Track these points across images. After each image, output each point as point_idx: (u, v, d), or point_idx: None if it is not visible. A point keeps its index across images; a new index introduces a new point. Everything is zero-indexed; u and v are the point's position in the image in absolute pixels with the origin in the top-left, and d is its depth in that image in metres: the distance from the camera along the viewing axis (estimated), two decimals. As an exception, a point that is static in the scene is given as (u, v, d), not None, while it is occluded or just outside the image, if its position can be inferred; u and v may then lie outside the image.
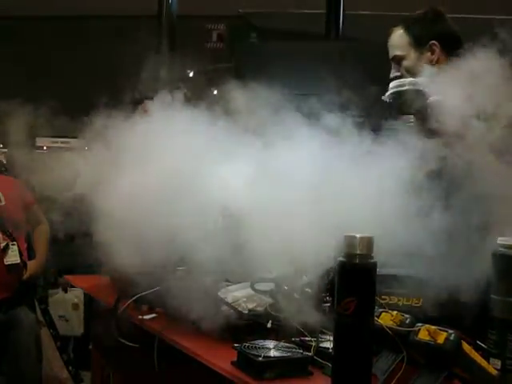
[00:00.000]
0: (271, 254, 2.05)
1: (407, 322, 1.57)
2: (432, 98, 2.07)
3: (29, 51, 13.05)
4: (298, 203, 1.95)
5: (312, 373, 1.61)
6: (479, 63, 1.94)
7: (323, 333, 1.72)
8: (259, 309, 1.90)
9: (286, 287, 1.90)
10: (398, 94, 2.11)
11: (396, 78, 2.39)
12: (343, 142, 1.98)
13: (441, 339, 1.48)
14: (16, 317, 4.09)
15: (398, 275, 1.84)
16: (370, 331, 1.43)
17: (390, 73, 2.51)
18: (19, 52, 12.85)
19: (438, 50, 2.42)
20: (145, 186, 2.18)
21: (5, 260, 4.04)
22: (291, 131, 2.07)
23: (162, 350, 1.94)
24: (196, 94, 2.44)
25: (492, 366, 1.55)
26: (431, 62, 2.41)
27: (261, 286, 1.94)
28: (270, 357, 1.60)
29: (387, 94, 2.14)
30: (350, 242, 1.43)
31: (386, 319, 1.58)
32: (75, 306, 5.18)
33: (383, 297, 1.78)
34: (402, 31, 2.47)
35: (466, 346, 1.50)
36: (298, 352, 1.64)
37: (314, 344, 1.65)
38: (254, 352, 1.61)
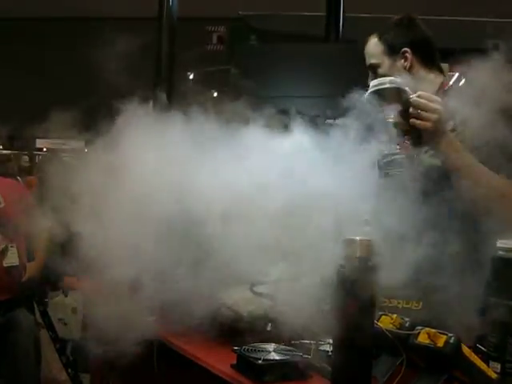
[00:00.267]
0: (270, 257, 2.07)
1: (407, 325, 1.57)
2: (413, 96, 2.08)
3: (27, 52, 13.07)
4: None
5: (311, 376, 1.61)
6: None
7: (323, 336, 1.72)
8: (259, 311, 1.89)
9: (285, 290, 1.90)
10: (379, 92, 2.12)
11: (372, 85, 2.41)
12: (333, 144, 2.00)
13: (440, 342, 1.48)
14: (15, 319, 4.09)
15: (397, 278, 1.84)
16: (369, 334, 1.43)
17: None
18: (19, 52, 12.86)
19: (410, 56, 2.45)
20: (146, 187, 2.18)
21: (4, 262, 4.04)
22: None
23: (161, 352, 1.94)
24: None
25: (492, 370, 1.54)
26: (405, 69, 2.44)
27: (260, 289, 1.93)
28: (270, 360, 1.60)
29: (368, 92, 2.14)
30: (349, 244, 1.43)
31: (385, 322, 1.58)
32: (74, 310, 5.18)
33: (383, 300, 1.79)
34: (376, 39, 2.51)
35: (465, 349, 1.50)
36: (298, 355, 1.64)
37: (313, 347, 1.64)
38: (254, 355, 1.61)
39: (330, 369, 1.52)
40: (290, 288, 1.92)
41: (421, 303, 1.81)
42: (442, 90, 2.43)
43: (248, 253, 1.98)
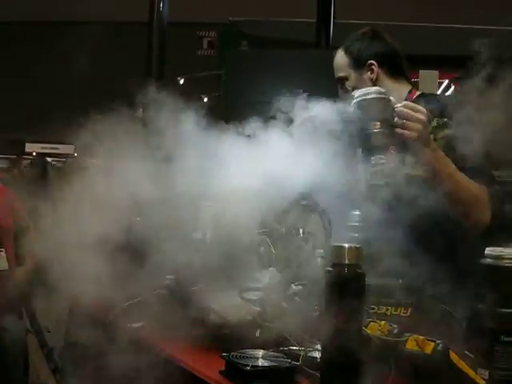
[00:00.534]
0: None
1: (395, 331, 1.57)
2: (397, 106, 2.10)
3: (20, 55, 13.05)
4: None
5: (300, 382, 1.60)
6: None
7: (311, 342, 1.72)
8: (248, 318, 1.89)
9: (274, 296, 1.90)
10: (364, 102, 2.13)
11: (341, 98, 2.42)
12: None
13: (429, 349, 1.49)
14: (3, 325, 4.07)
15: (386, 285, 1.85)
16: (358, 341, 1.43)
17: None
18: (12, 56, 12.84)
19: (376, 68, 2.48)
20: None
21: (-8, 266, 4.02)
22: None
23: (149, 358, 1.93)
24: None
25: (480, 377, 1.55)
26: (371, 81, 2.47)
27: (249, 295, 1.93)
28: (258, 366, 1.59)
29: (353, 102, 2.15)
30: (338, 251, 1.43)
31: (374, 329, 1.59)
32: (59, 317, 5.13)
33: (371, 306, 1.79)
34: (342, 53, 2.55)
35: (453, 356, 1.51)
36: (286, 361, 1.64)
37: (302, 353, 1.64)
38: (242, 361, 1.60)
39: (318, 375, 1.52)
40: (279, 294, 1.93)
41: (409, 310, 1.81)
42: (410, 98, 2.45)
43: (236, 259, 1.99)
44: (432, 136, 2.28)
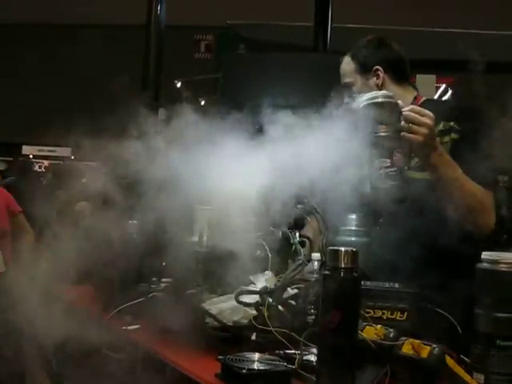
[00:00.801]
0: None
1: (391, 335, 1.57)
2: (404, 110, 2.10)
3: (17, 57, 13.03)
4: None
5: (296, 386, 1.61)
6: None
7: (307, 346, 1.72)
8: (244, 321, 1.89)
9: (270, 300, 1.90)
10: (372, 106, 2.14)
11: (347, 103, 2.44)
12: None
13: (424, 353, 1.49)
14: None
15: (382, 288, 1.85)
16: (353, 345, 1.43)
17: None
18: (10, 58, 12.83)
19: (382, 74, 2.50)
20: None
21: (-10, 269, 4.02)
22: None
23: (145, 361, 1.93)
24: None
25: (475, 381, 1.55)
26: (377, 86, 2.48)
27: (245, 299, 1.94)
28: (254, 369, 1.59)
29: (361, 105, 2.16)
30: (334, 255, 1.43)
31: (369, 333, 1.59)
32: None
33: (367, 310, 1.79)
34: (349, 59, 2.57)
35: (449, 361, 1.51)
36: (282, 365, 1.64)
37: (297, 357, 1.64)
38: (238, 364, 1.60)
39: (314, 379, 1.52)
40: (276, 298, 1.93)
41: (405, 314, 1.81)
42: (416, 104, 2.45)
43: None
44: (438, 139, 2.29)
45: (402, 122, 2.09)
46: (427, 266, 2.25)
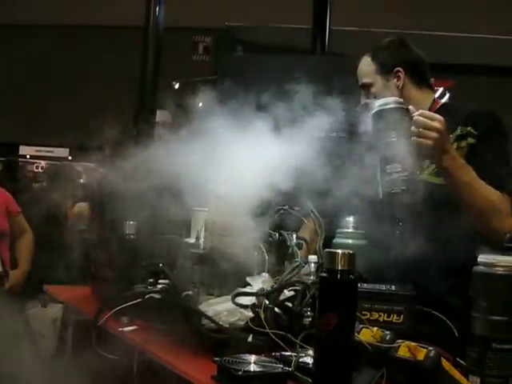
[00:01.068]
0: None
1: (387, 338, 1.57)
2: (414, 115, 2.11)
3: (14, 58, 13.02)
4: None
5: (292, 388, 1.61)
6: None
7: (304, 348, 1.72)
8: (240, 323, 1.89)
9: (267, 301, 1.90)
10: (384, 112, 2.14)
11: (365, 104, 2.45)
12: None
13: (421, 356, 1.49)
14: None
15: (378, 291, 1.85)
16: (350, 347, 1.44)
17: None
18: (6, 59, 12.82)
19: (403, 75, 2.48)
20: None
21: (-13, 269, 4.01)
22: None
23: (142, 362, 1.93)
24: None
25: (471, 384, 1.56)
26: (397, 88, 2.47)
27: (242, 300, 1.94)
28: (250, 371, 1.59)
29: (372, 112, 2.17)
30: (331, 257, 1.43)
31: (366, 335, 1.59)
32: (54, 322, 5.09)
33: (364, 312, 1.79)
34: (369, 59, 2.55)
35: (445, 363, 1.51)
36: (278, 367, 1.64)
37: (294, 359, 1.64)
38: (235, 366, 1.60)
39: (310, 381, 1.52)
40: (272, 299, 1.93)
41: (402, 316, 1.81)
42: (434, 107, 2.45)
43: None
44: (455, 144, 2.29)
45: (413, 127, 2.10)
46: (444, 270, 2.26)
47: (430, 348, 1.51)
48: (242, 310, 1.92)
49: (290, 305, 1.95)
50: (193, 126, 2.26)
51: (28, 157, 13.97)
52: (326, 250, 1.49)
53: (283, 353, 1.73)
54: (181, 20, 9.98)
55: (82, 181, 9.57)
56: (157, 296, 2.09)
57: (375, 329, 1.61)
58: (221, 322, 1.87)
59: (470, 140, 2.30)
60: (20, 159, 13.55)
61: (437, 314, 1.93)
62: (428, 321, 1.93)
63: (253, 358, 1.68)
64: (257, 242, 2.13)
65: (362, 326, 1.63)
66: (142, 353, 1.92)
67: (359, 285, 1.65)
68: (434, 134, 2.08)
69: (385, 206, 2.19)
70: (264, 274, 2.09)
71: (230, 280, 2.04)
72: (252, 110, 2.19)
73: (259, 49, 10.10)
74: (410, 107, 2.15)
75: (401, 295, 1.84)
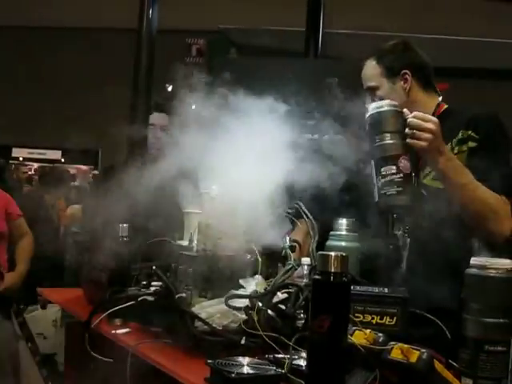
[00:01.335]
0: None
1: (380, 340, 1.58)
2: (409, 117, 2.11)
3: (6, 59, 13.00)
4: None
5: (285, 390, 1.61)
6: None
7: (297, 350, 1.72)
8: (233, 325, 1.89)
9: (260, 304, 1.90)
10: (379, 114, 2.15)
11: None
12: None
13: (413, 358, 1.49)
14: None
15: (371, 293, 1.86)
16: (343, 349, 1.44)
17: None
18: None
19: (410, 78, 2.47)
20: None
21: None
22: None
23: (135, 365, 1.93)
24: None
25: (464, 386, 1.56)
26: (404, 91, 2.46)
27: (235, 303, 1.94)
28: (243, 373, 1.59)
29: (367, 114, 2.18)
30: (324, 260, 1.44)
31: (359, 337, 1.59)
32: (54, 323, 5.08)
33: (357, 315, 1.79)
34: (374, 62, 2.53)
35: (438, 365, 1.51)
36: (271, 369, 1.64)
37: (287, 361, 1.64)
38: (227, 368, 1.60)
39: (303, 383, 1.52)
40: (265, 302, 1.93)
41: (395, 319, 1.81)
42: (438, 111, 2.46)
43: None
44: (457, 148, 2.29)
45: (407, 129, 2.11)
46: (441, 275, 2.26)
47: (423, 350, 1.51)
48: (235, 312, 1.92)
49: (283, 307, 1.95)
50: (186, 127, 2.26)
51: (21, 159, 13.94)
52: (319, 252, 1.49)
53: (276, 355, 1.73)
54: (174, 22, 9.97)
55: (76, 183, 9.56)
56: (150, 298, 2.09)
57: (368, 331, 1.61)
58: (214, 325, 1.88)
59: (471, 144, 2.30)
60: (12, 161, 13.50)
61: (429, 316, 1.93)
62: (421, 323, 1.93)
63: (246, 360, 1.68)
64: (250, 245, 2.13)
65: (354, 328, 1.63)
66: (135, 355, 1.91)
67: (352, 287, 1.65)
68: (427, 136, 2.09)
69: (380, 208, 2.19)
70: (257, 276, 2.09)
71: (223, 282, 2.05)
72: (245, 111, 2.19)
73: (252, 51, 10.09)
74: (405, 110, 2.16)
75: (394, 297, 1.84)
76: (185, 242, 2.22)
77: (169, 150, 2.15)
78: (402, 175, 2.10)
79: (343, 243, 2.27)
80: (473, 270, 1.62)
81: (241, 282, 2.05)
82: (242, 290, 2.02)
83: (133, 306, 2.11)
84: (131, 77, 6.42)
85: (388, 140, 2.12)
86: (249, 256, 2.11)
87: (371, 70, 2.53)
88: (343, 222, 2.30)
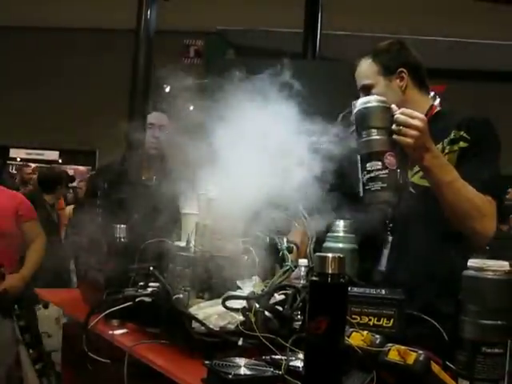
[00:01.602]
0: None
1: (377, 342, 1.58)
2: (396, 114, 2.12)
3: (5, 61, 12.99)
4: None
5: (282, 391, 1.61)
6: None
7: (294, 351, 1.72)
8: (230, 326, 1.89)
9: (257, 305, 1.90)
10: (366, 110, 2.15)
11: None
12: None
13: (410, 360, 1.49)
14: None
15: (368, 295, 1.86)
16: (340, 351, 1.44)
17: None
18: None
19: (406, 76, 2.47)
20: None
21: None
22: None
23: (132, 365, 1.93)
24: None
25: (460, 388, 1.56)
26: (400, 89, 2.47)
27: (232, 304, 1.94)
28: (240, 375, 1.59)
29: (355, 110, 2.18)
30: (321, 261, 1.44)
31: (356, 339, 1.59)
32: (57, 321, 5.07)
33: (354, 316, 1.79)
34: (370, 61, 2.52)
35: (435, 367, 1.51)
36: (269, 370, 1.64)
37: (284, 362, 1.64)
38: (225, 369, 1.60)
39: (300, 384, 1.52)
40: (263, 303, 1.93)
41: (392, 320, 1.82)
42: (431, 113, 2.46)
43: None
44: (448, 148, 2.30)
45: (393, 125, 2.11)
46: (422, 274, 2.27)
47: (420, 352, 1.51)
48: (232, 313, 1.92)
49: (280, 308, 1.95)
50: (183, 128, 2.26)
51: (18, 159, 13.94)
52: (317, 253, 1.49)
53: (273, 356, 1.73)
54: (172, 23, 9.97)
55: (74, 184, 9.56)
56: (147, 299, 2.09)
57: (365, 333, 1.61)
58: (211, 326, 1.87)
59: (463, 144, 2.31)
60: (9, 162, 13.50)
61: (426, 317, 1.93)
62: (418, 325, 1.93)
63: (243, 361, 1.68)
64: (247, 246, 2.13)
65: (352, 329, 1.63)
66: (132, 356, 1.91)
67: (349, 289, 1.65)
68: (414, 132, 2.09)
69: (365, 204, 2.18)
70: (254, 277, 2.09)
71: (221, 283, 2.05)
72: (243, 112, 2.19)
73: (250, 52, 10.10)
74: (393, 106, 2.16)
75: (391, 299, 1.84)
76: (182, 243, 2.22)
77: (167, 150, 2.15)
78: (387, 171, 2.10)
79: (340, 245, 2.27)
80: (470, 272, 1.61)
81: (238, 283, 2.05)
82: (239, 291, 2.02)
83: (130, 307, 2.11)
84: (129, 77, 6.42)
85: (374, 136, 2.12)
86: (246, 257, 2.11)
87: (367, 68, 2.54)
88: (340, 224, 2.30)
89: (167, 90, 2.42)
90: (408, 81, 2.48)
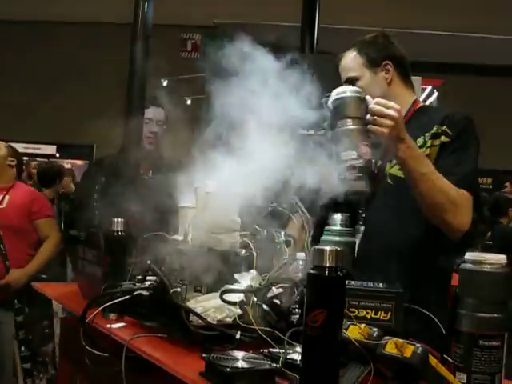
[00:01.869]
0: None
1: (375, 335, 1.58)
2: (371, 104, 2.12)
3: (3, 54, 12.98)
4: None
5: (280, 384, 1.61)
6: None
7: (291, 344, 1.72)
8: (228, 319, 1.90)
9: (255, 298, 1.90)
10: (341, 100, 2.16)
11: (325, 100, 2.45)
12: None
13: (408, 353, 1.49)
14: None
15: (366, 288, 1.86)
16: (338, 344, 1.44)
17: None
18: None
19: (391, 69, 2.48)
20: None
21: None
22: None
23: (130, 359, 1.93)
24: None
25: (458, 380, 1.56)
26: (386, 81, 2.47)
27: (230, 297, 1.94)
28: (238, 368, 1.60)
29: (330, 100, 2.18)
30: (319, 254, 1.44)
31: (353, 332, 1.59)
32: (56, 315, 5.07)
33: (351, 309, 1.80)
34: (354, 53, 2.53)
35: (432, 360, 1.52)
36: (266, 363, 1.64)
37: (282, 356, 1.65)
38: (222, 363, 1.61)
39: (298, 377, 1.52)
40: (260, 296, 1.93)
41: (389, 313, 1.82)
42: (413, 108, 2.47)
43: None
44: (430, 142, 2.31)
45: (368, 115, 2.11)
46: (392, 265, 2.27)
47: (418, 345, 1.52)
48: (229, 306, 1.92)
49: (277, 302, 1.95)
50: (182, 123, 2.26)
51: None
52: (314, 246, 1.49)
53: (271, 349, 1.74)
54: (169, 17, 9.97)
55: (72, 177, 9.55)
56: (145, 293, 2.09)
57: (363, 326, 1.61)
58: (209, 319, 1.88)
59: (444, 138, 2.32)
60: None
61: (424, 311, 1.93)
62: (415, 318, 1.93)
63: (241, 354, 1.68)
64: (245, 239, 2.14)
65: (349, 322, 1.63)
66: (130, 349, 1.91)
67: (347, 282, 1.65)
68: (388, 122, 2.10)
69: (340, 193, 2.18)
70: (252, 271, 2.09)
71: (218, 277, 2.05)
72: (240, 108, 2.20)
73: (248, 46, 10.09)
74: (367, 96, 2.17)
75: (388, 292, 1.84)
76: (180, 237, 2.22)
77: (164, 144, 2.16)
78: (361, 161, 2.10)
79: (337, 238, 2.27)
80: (467, 265, 1.62)
81: (236, 276, 2.05)
82: (236, 284, 2.02)
83: (128, 301, 2.11)
84: (127, 71, 6.42)
85: (349, 125, 2.13)
86: (244, 251, 2.11)
87: (352, 60, 2.54)
88: (338, 217, 2.30)
89: (165, 83, 2.42)
90: (393, 74, 2.49)
